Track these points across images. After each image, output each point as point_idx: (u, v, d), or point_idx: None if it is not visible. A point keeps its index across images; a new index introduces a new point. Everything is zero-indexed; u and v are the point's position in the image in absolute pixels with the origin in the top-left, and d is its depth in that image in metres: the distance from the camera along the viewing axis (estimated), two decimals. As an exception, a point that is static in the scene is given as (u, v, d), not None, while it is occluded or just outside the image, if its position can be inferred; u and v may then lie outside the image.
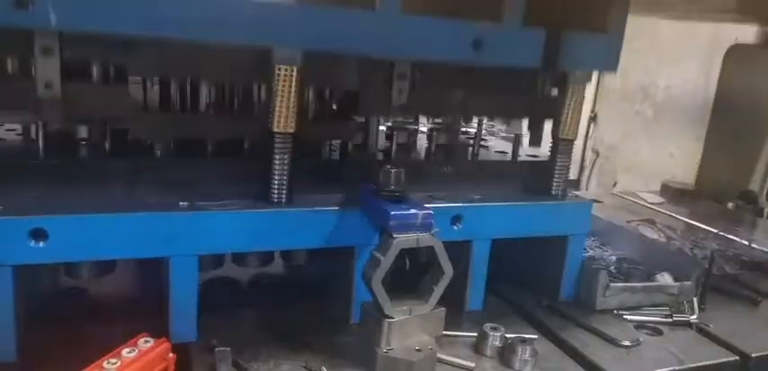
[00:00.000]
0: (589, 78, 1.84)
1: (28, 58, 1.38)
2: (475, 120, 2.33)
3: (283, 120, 1.48)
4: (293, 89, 1.46)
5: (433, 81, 1.79)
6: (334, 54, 1.52)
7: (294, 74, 1.45)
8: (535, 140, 2.06)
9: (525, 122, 2.10)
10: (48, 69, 1.35)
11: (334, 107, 1.88)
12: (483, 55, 1.61)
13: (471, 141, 2.15)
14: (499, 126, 2.31)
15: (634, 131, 5.44)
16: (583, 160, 5.92)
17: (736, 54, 3.63)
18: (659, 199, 3.45)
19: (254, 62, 1.51)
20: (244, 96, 1.79)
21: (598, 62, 1.87)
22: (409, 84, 1.71)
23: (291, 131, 1.50)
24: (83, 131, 1.66)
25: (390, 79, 1.70)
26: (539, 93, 1.96)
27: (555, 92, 1.93)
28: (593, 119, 5.68)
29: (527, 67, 1.73)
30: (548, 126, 1.98)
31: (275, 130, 1.49)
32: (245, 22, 1.39)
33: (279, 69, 1.44)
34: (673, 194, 3.56)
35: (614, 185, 5.19)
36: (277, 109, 1.47)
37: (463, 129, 2.27)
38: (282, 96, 1.46)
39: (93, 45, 1.42)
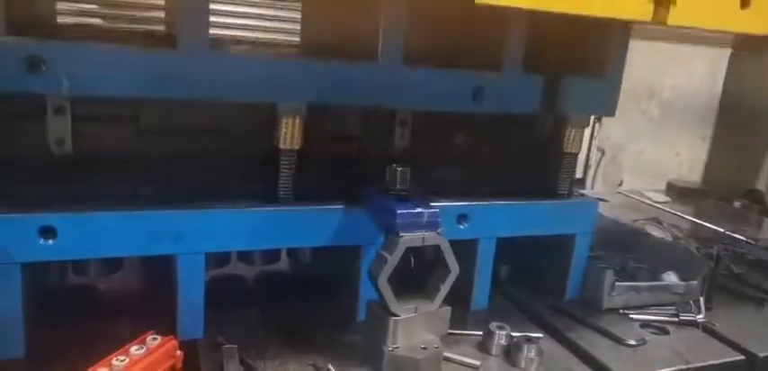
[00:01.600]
0: (587, 122, 1.86)
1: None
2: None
3: (290, 138, 1.49)
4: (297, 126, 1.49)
5: (434, 126, 1.82)
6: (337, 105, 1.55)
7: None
8: None
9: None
10: (59, 128, 1.41)
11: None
12: (483, 104, 1.65)
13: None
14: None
15: (640, 130, 5.42)
16: (588, 159, 5.91)
17: (742, 52, 3.62)
18: (665, 198, 3.44)
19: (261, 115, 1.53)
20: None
21: (596, 106, 1.91)
22: (410, 130, 1.76)
23: (297, 147, 1.51)
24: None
25: (392, 125, 1.74)
26: (538, 131, 1.97)
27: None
28: (598, 118, 5.66)
29: (526, 112, 1.76)
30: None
31: (282, 147, 1.50)
32: (250, 81, 1.42)
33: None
34: (678, 193, 3.55)
35: (620, 184, 5.18)
36: (283, 131, 1.49)
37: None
38: (287, 125, 1.49)
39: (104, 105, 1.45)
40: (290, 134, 1.49)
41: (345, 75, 1.51)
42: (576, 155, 1.88)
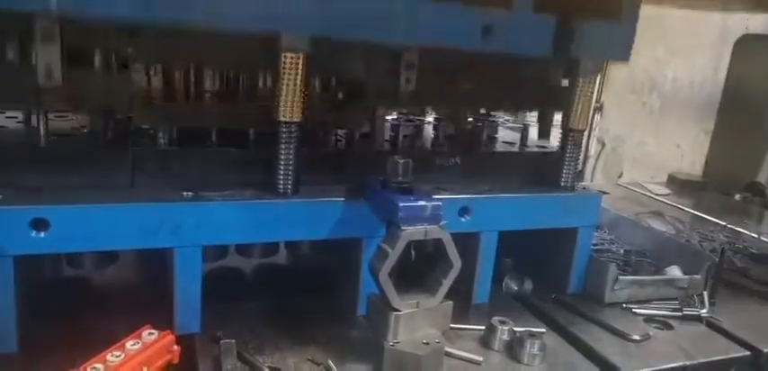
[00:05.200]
0: (600, 69, 1.80)
1: (28, 45, 1.35)
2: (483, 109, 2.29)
3: (289, 108, 1.45)
4: (300, 77, 1.43)
5: (441, 72, 1.75)
6: (341, 41, 1.47)
7: (300, 61, 1.42)
8: (544, 133, 2.02)
9: (534, 114, 2.08)
10: (48, 56, 1.32)
11: (341, 97, 1.85)
12: (492, 42, 1.56)
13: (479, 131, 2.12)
14: (507, 117, 2.27)
15: (641, 121, 5.40)
16: (587, 151, 5.88)
17: (745, 44, 3.59)
18: (666, 190, 3.42)
19: (260, 49, 1.48)
20: (249, 85, 1.76)
21: (610, 50, 1.82)
22: (417, 73, 1.68)
23: (298, 119, 1.47)
24: (85, 120, 1.63)
25: (398, 69, 1.67)
26: (549, 83, 1.92)
27: (565, 83, 1.90)
28: (598, 109, 5.63)
29: (537, 55, 1.68)
30: (557, 118, 1.94)
31: (281, 118, 1.46)
32: (251, 8, 1.35)
33: (285, 57, 1.41)
34: (679, 185, 3.54)
35: (619, 177, 5.16)
36: (283, 97, 1.44)
37: (470, 119, 2.23)
38: (289, 84, 1.43)
39: (95, 32, 1.39)
40: (291, 84, 1.42)
41: (351, 6, 1.42)
42: (581, 133, 1.84)
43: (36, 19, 1.29)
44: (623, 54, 1.77)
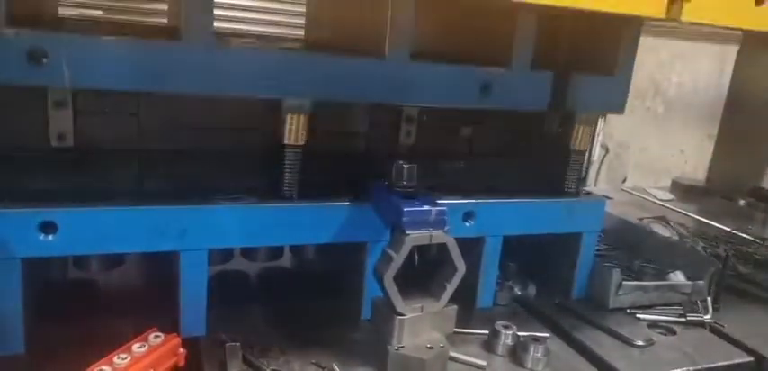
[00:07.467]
0: (596, 120, 1.85)
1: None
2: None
3: (294, 134, 1.47)
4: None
5: (441, 122, 1.83)
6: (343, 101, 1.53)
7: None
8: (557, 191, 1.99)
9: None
10: (61, 122, 1.40)
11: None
12: (491, 99, 1.62)
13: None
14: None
15: (645, 126, 5.39)
16: (590, 156, 5.87)
17: (749, 49, 3.58)
18: (670, 196, 3.42)
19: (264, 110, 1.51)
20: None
21: (605, 103, 1.88)
22: (417, 126, 1.76)
23: (302, 143, 1.49)
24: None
25: (398, 122, 1.74)
26: (546, 130, 1.95)
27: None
28: (603, 115, 5.63)
29: (534, 109, 1.73)
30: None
31: (286, 142, 1.48)
32: (254, 75, 1.39)
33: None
34: (683, 190, 3.53)
35: (623, 182, 5.15)
36: (288, 124, 1.46)
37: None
38: (292, 120, 1.46)
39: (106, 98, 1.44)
40: (294, 130, 1.47)
41: (352, 70, 1.47)
42: (583, 153, 1.86)
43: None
44: (618, 106, 1.83)
